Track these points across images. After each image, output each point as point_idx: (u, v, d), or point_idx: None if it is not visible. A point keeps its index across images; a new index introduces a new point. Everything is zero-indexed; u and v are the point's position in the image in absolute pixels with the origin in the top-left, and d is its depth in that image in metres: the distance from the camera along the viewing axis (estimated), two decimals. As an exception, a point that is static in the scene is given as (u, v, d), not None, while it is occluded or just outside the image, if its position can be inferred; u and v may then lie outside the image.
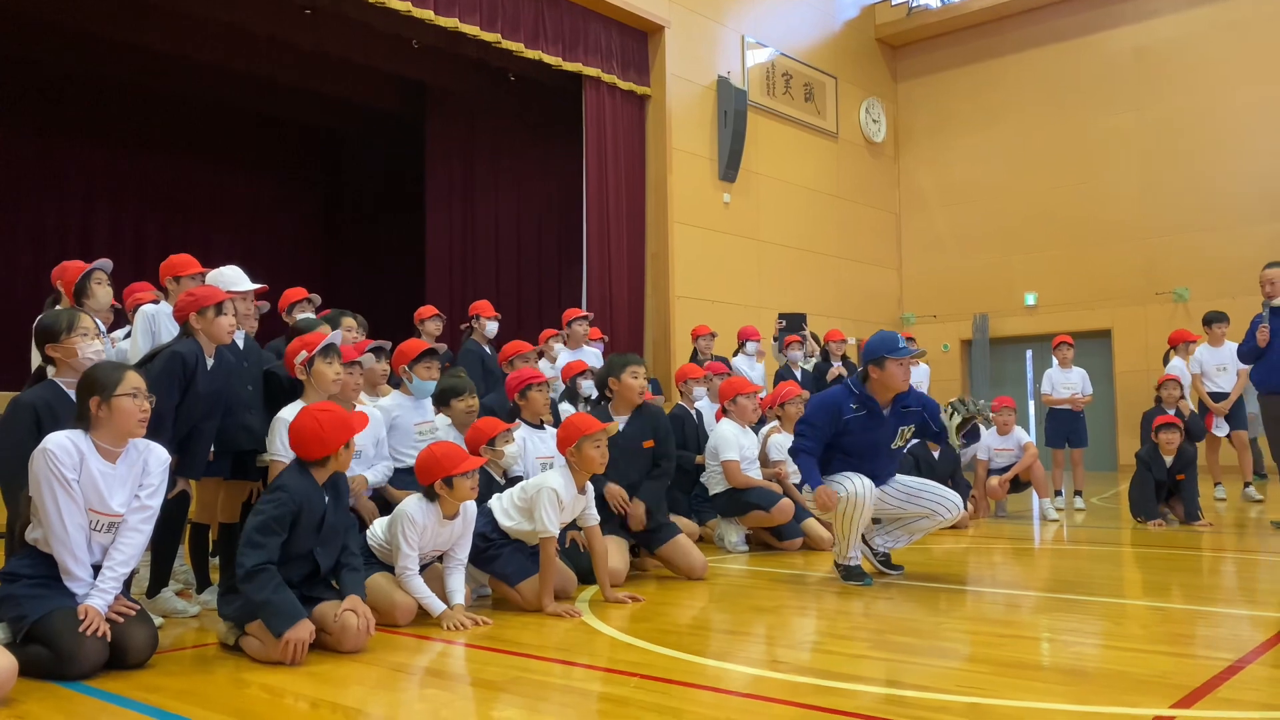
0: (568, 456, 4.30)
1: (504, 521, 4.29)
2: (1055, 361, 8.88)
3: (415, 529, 3.87)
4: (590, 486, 4.41)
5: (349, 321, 5.91)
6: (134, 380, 3.31)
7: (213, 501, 4.57)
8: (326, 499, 3.58)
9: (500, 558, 4.27)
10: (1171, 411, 7.35)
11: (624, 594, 4.37)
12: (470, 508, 4.08)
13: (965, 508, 4.89)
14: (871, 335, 4.91)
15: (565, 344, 8.17)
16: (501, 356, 6.55)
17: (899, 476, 4.94)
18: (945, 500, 4.81)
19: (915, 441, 5.38)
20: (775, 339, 9.95)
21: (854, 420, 4.70)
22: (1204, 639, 3.56)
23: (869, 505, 4.64)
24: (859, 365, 10.06)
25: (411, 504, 3.94)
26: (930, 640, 3.60)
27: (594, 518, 4.39)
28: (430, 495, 3.94)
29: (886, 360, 4.62)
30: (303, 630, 3.31)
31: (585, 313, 8.52)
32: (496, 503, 4.42)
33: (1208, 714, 2.58)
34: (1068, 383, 8.75)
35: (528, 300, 13.73)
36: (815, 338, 9.90)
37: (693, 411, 6.69)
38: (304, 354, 4.41)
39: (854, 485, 4.60)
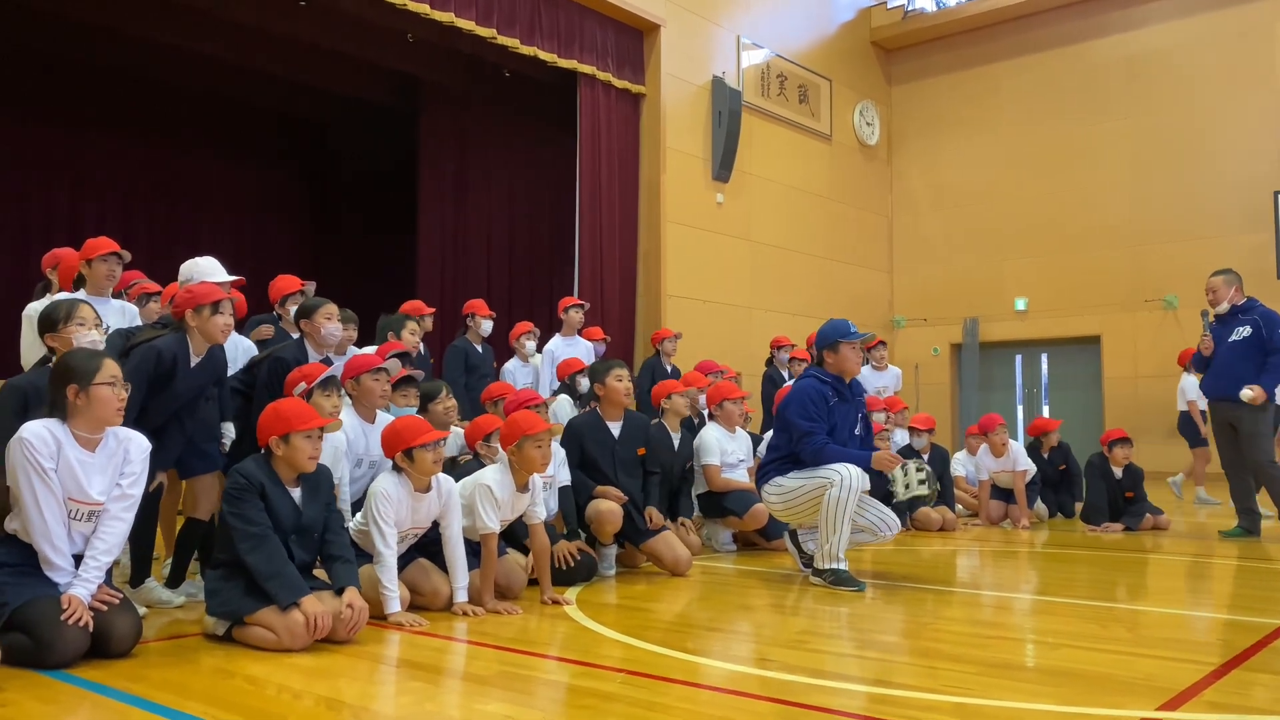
0: (509, 454, 4.24)
1: None
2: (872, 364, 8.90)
3: (390, 503, 3.90)
4: (537, 484, 4.34)
5: (413, 325, 5.95)
6: (112, 368, 3.30)
7: (211, 494, 4.51)
8: (298, 493, 3.61)
9: (439, 553, 4.25)
10: (1119, 471, 7.29)
11: (554, 596, 4.27)
12: (446, 483, 4.09)
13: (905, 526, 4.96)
14: (822, 324, 5.00)
15: (560, 332, 7.97)
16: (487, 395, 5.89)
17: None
18: (887, 519, 4.86)
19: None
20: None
21: (835, 408, 4.77)
22: (1190, 643, 3.57)
23: (858, 493, 4.60)
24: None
25: (382, 480, 3.99)
26: (917, 640, 3.60)
27: (539, 515, 4.37)
28: (397, 469, 4.00)
29: (841, 344, 4.79)
30: (319, 604, 3.34)
31: (581, 301, 8.41)
32: None
33: (1194, 716, 2.59)
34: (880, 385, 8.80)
35: (519, 298, 13.68)
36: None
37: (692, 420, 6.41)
38: (303, 385, 4.31)
39: (848, 472, 4.56)
